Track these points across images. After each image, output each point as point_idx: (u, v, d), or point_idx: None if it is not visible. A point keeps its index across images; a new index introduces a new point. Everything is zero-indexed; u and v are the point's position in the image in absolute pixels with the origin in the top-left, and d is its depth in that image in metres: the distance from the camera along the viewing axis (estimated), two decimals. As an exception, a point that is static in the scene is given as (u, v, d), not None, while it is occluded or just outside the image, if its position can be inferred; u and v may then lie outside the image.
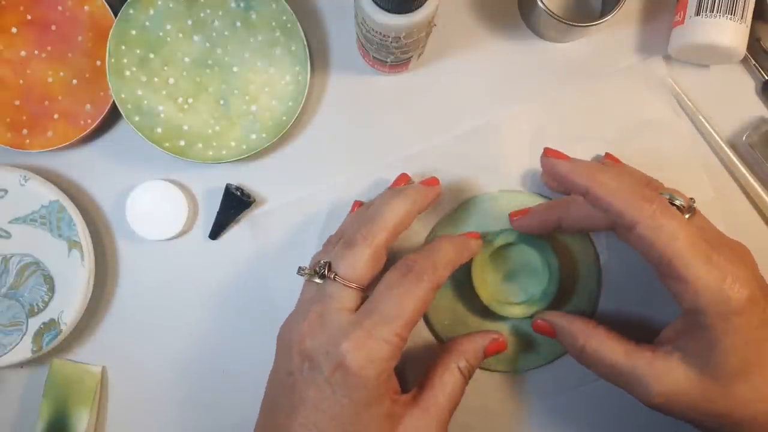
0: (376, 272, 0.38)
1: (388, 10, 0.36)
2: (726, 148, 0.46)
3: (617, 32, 0.47)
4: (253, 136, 0.46)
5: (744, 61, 0.47)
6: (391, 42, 0.39)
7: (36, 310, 0.46)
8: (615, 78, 0.47)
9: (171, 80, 0.46)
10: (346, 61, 0.47)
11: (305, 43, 0.45)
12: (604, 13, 0.46)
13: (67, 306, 0.45)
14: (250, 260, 0.47)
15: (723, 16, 0.43)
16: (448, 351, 0.41)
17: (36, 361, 0.47)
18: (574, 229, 0.42)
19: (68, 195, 0.46)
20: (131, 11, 0.44)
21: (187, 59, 0.46)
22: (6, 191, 0.46)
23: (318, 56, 0.48)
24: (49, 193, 0.46)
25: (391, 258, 0.39)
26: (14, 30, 0.46)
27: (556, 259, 0.43)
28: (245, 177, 0.47)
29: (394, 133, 0.47)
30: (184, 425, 0.47)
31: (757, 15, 0.45)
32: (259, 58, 0.46)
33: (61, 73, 0.46)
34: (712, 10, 0.43)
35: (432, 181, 0.43)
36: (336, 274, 0.38)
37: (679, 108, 0.47)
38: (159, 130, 0.45)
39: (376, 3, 0.36)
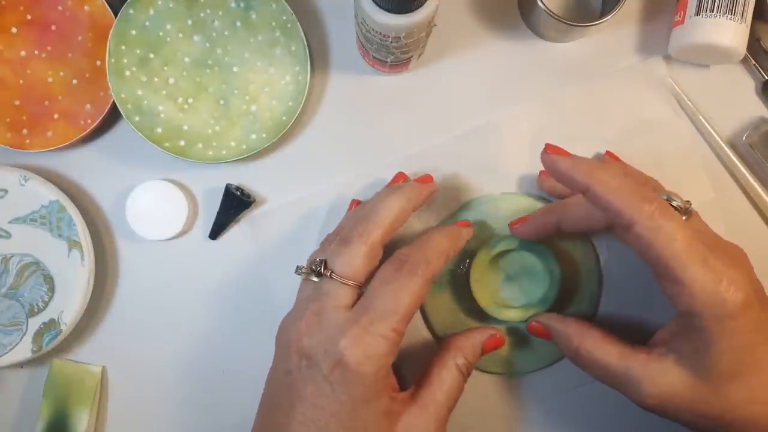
0: (372, 269, 0.38)
1: (388, 10, 0.36)
2: (726, 148, 0.46)
3: (617, 32, 0.47)
4: (253, 136, 0.46)
5: (744, 61, 0.47)
6: (391, 42, 0.39)
7: (36, 310, 0.46)
8: (615, 78, 0.47)
9: (171, 80, 0.46)
10: (346, 61, 0.48)
11: (305, 43, 0.45)
12: (604, 13, 0.46)
13: (67, 306, 0.45)
14: (250, 260, 0.47)
15: (723, 16, 0.43)
16: (446, 348, 0.41)
17: (36, 361, 0.47)
18: (573, 231, 0.42)
19: (68, 195, 0.46)
20: (131, 11, 0.44)
21: (187, 59, 0.46)
22: (6, 191, 0.46)
23: (318, 56, 0.48)
24: (49, 193, 0.46)
25: (388, 255, 0.39)
26: (14, 30, 0.46)
27: (557, 265, 0.43)
28: (245, 177, 0.47)
29: (394, 133, 0.47)
30: (184, 425, 0.47)
31: (757, 15, 0.45)
32: (259, 58, 0.46)
33: (61, 73, 0.46)
34: (712, 10, 0.43)
35: (426, 179, 0.43)
36: (332, 272, 0.38)
37: (679, 108, 0.47)
38: (159, 130, 0.45)
39: (376, 3, 0.36)
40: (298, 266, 0.40)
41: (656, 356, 0.37)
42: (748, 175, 0.46)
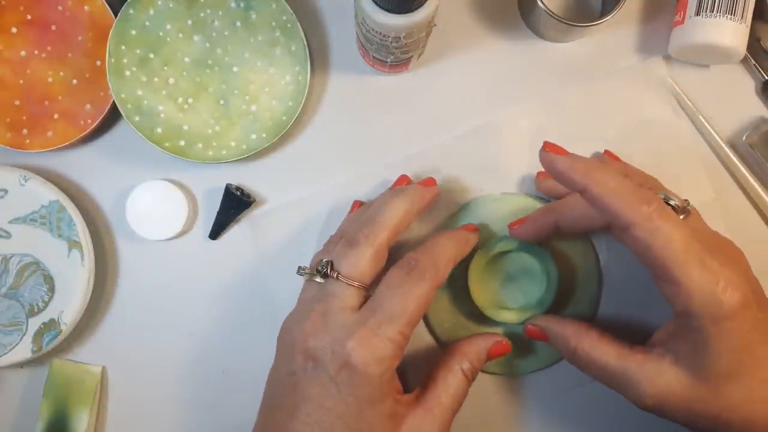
0: (378, 271, 0.39)
1: (388, 10, 0.36)
2: (726, 148, 0.46)
3: (617, 32, 0.47)
4: (253, 136, 0.46)
5: (744, 61, 0.47)
6: (391, 42, 0.39)
7: (36, 310, 0.46)
8: (615, 78, 0.47)
9: (171, 80, 0.46)
10: (346, 61, 0.48)
11: (305, 43, 0.45)
12: (604, 13, 0.46)
13: (67, 306, 0.45)
14: (250, 260, 0.47)
15: (723, 16, 0.43)
16: (451, 353, 0.41)
17: (36, 361, 0.47)
18: (571, 230, 0.42)
19: (68, 195, 0.46)
20: (131, 11, 0.44)
21: (187, 59, 0.46)
22: (6, 191, 0.46)
23: (318, 56, 0.48)
24: (49, 193, 0.46)
25: (392, 257, 0.39)
26: (14, 30, 0.46)
27: (555, 267, 0.43)
28: (245, 177, 0.47)
29: (394, 133, 0.47)
30: (184, 425, 0.47)
31: (757, 15, 0.45)
32: (259, 58, 0.46)
33: (61, 73, 0.46)
34: (712, 10, 0.43)
35: (429, 182, 0.43)
36: (339, 273, 0.38)
37: (679, 108, 0.47)
38: (159, 130, 0.45)
39: (376, 3, 0.36)
40: (300, 267, 0.40)
41: (654, 356, 0.37)
42: (748, 175, 0.46)
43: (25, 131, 0.46)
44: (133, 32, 0.45)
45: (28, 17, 0.46)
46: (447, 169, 0.47)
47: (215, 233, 0.47)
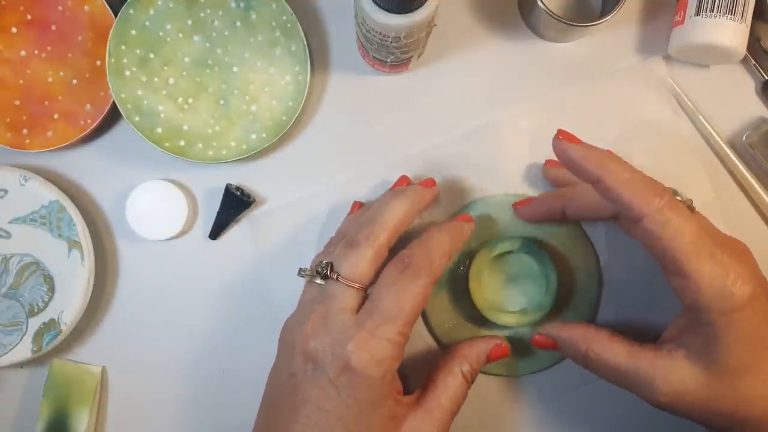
0: (378, 272, 0.38)
1: (388, 10, 0.36)
2: (726, 148, 0.46)
3: (617, 32, 0.47)
4: (253, 136, 0.46)
5: (744, 61, 0.47)
6: (391, 42, 0.39)
7: (36, 310, 0.46)
8: (615, 78, 0.47)
9: (171, 80, 0.46)
10: (346, 61, 0.47)
11: (305, 43, 0.45)
12: (604, 13, 0.46)
13: (67, 306, 0.45)
14: (250, 260, 0.47)
15: (723, 16, 0.43)
16: (451, 355, 0.41)
17: (36, 361, 0.47)
18: (577, 218, 0.42)
19: (68, 195, 0.46)
20: (131, 11, 0.44)
21: (187, 59, 0.46)
22: (6, 191, 0.46)
23: (318, 56, 0.48)
24: (49, 193, 0.46)
25: (391, 257, 0.39)
26: (14, 30, 0.46)
27: (554, 270, 0.43)
28: (245, 177, 0.47)
29: (394, 133, 0.47)
30: (184, 425, 0.47)
31: (757, 15, 0.45)
32: (259, 58, 0.46)
33: (61, 73, 0.46)
34: (712, 10, 0.43)
35: (429, 183, 0.43)
36: (338, 275, 0.38)
37: (679, 108, 0.47)
38: (159, 130, 0.45)
39: (376, 3, 0.36)
40: (300, 268, 0.40)
41: (666, 353, 0.37)
42: (748, 175, 0.46)
43: (25, 131, 0.46)
44: (133, 32, 0.45)
45: (28, 17, 0.46)
46: (447, 169, 0.47)
47: (215, 233, 0.47)
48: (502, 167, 0.47)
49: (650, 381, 0.36)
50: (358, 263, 0.37)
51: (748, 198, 0.47)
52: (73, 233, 0.45)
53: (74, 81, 0.46)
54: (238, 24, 0.46)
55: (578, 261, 0.45)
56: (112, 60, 0.44)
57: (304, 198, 0.47)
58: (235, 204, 0.46)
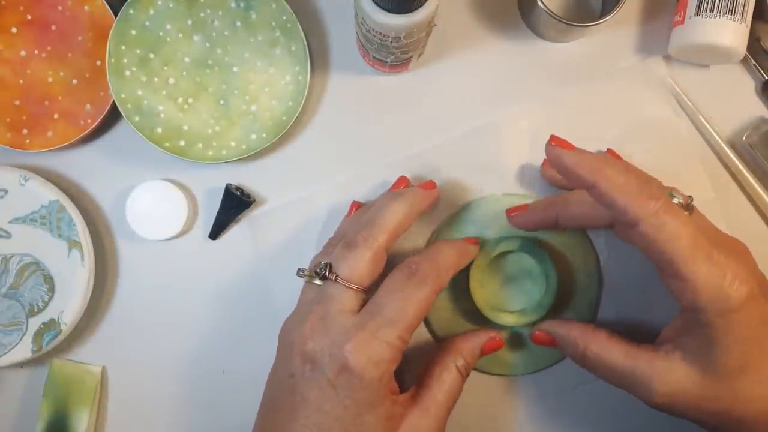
0: (376, 274, 0.39)
1: (388, 10, 0.36)
2: (726, 148, 0.46)
3: (617, 32, 0.47)
4: (253, 136, 0.46)
5: (744, 61, 0.47)
6: (391, 42, 0.39)
7: (36, 310, 0.46)
8: (615, 78, 0.47)
9: (171, 80, 0.46)
10: (346, 61, 0.47)
11: (305, 43, 0.45)
12: (604, 13, 0.46)
13: (67, 306, 0.45)
14: (249, 260, 0.47)
15: (723, 16, 0.43)
16: (445, 350, 0.41)
17: (36, 361, 0.47)
18: (571, 227, 0.42)
19: (68, 195, 0.46)
20: (131, 11, 0.44)
21: (187, 59, 0.46)
22: (6, 191, 0.46)
23: (318, 56, 0.48)
24: (49, 193, 0.46)
25: (391, 260, 0.39)
26: (14, 30, 0.46)
27: (554, 270, 0.43)
28: (245, 177, 0.47)
29: (394, 133, 0.47)
30: (183, 425, 0.47)
31: (757, 15, 0.45)
32: (259, 58, 0.46)
33: (61, 73, 0.46)
34: (712, 10, 0.43)
35: (429, 185, 0.43)
36: (337, 276, 0.38)
37: (679, 108, 0.47)
38: (159, 130, 0.45)
39: (376, 3, 0.36)
40: (299, 269, 0.40)
41: (663, 354, 0.37)
42: (748, 175, 0.46)
43: (25, 131, 0.46)
44: (133, 32, 0.45)
45: (28, 17, 0.46)
46: (447, 169, 0.47)
47: (215, 233, 0.47)
48: (502, 167, 0.47)
49: (647, 382, 0.36)
50: (357, 264, 0.38)
51: (748, 198, 0.47)
52: (73, 233, 0.45)
53: (74, 81, 0.46)
54: (238, 24, 0.46)
55: (578, 261, 0.45)
56: (112, 60, 0.44)
57: (304, 198, 0.47)
58: (235, 204, 0.46)
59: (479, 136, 0.47)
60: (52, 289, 0.46)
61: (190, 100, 0.46)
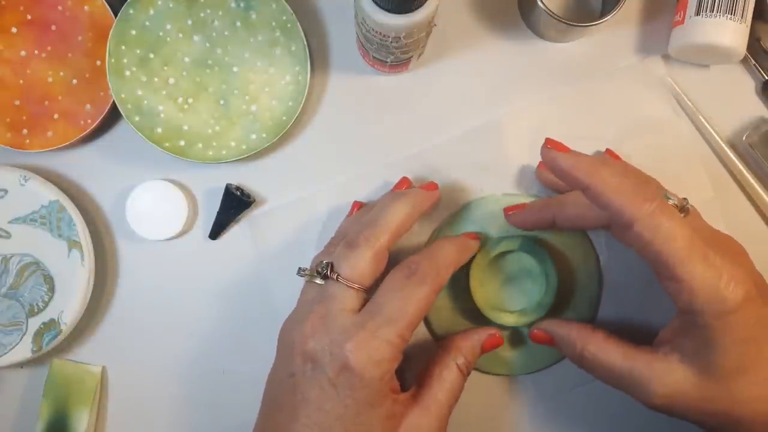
0: (378, 274, 0.39)
1: (388, 10, 0.36)
2: (726, 148, 0.46)
3: (617, 32, 0.47)
4: (253, 136, 0.46)
5: (744, 61, 0.47)
6: (391, 42, 0.39)
7: (36, 310, 0.46)
8: (615, 78, 0.47)
9: (171, 80, 0.46)
10: (346, 61, 0.47)
11: (305, 43, 0.45)
12: (604, 13, 0.46)
13: (67, 306, 0.45)
14: (249, 260, 0.47)
15: (723, 16, 0.43)
16: (445, 348, 0.41)
17: (36, 361, 0.47)
18: (567, 228, 0.42)
19: (68, 195, 0.46)
20: (131, 11, 0.44)
21: (187, 59, 0.46)
22: (6, 191, 0.46)
23: (318, 56, 0.48)
24: (49, 193, 0.46)
25: (392, 259, 0.39)
26: (14, 30, 0.46)
27: (554, 270, 0.43)
28: (245, 177, 0.47)
29: (394, 133, 0.47)
30: (184, 425, 0.47)
31: (757, 15, 0.45)
32: (259, 58, 0.46)
33: (61, 73, 0.46)
34: (712, 10, 0.43)
35: (431, 186, 0.43)
36: (338, 275, 0.38)
37: (679, 108, 0.47)
38: (159, 130, 0.45)
39: (376, 3, 0.36)
40: (300, 268, 0.40)
41: (660, 355, 0.37)
42: (748, 175, 0.46)
43: (25, 131, 0.46)
44: (133, 32, 0.45)
45: (28, 17, 0.46)
46: (447, 169, 0.47)
47: (215, 233, 0.47)
48: (502, 167, 0.47)
49: (646, 383, 0.37)
50: (359, 264, 0.38)
51: (748, 198, 0.47)
52: (73, 233, 0.45)
53: (74, 81, 0.46)
54: (238, 24, 0.46)
55: (578, 260, 0.45)
56: (112, 60, 0.44)
57: (304, 198, 0.47)
58: (235, 204, 0.46)
59: (479, 136, 0.47)
60: (52, 289, 0.46)
61: (190, 100, 0.46)
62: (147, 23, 0.45)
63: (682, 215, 0.37)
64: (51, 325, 0.45)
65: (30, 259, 0.46)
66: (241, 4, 0.46)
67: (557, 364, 0.46)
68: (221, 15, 0.46)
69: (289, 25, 0.45)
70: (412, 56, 0.44)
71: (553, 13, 0.43)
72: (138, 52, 0.45)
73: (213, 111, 0.46)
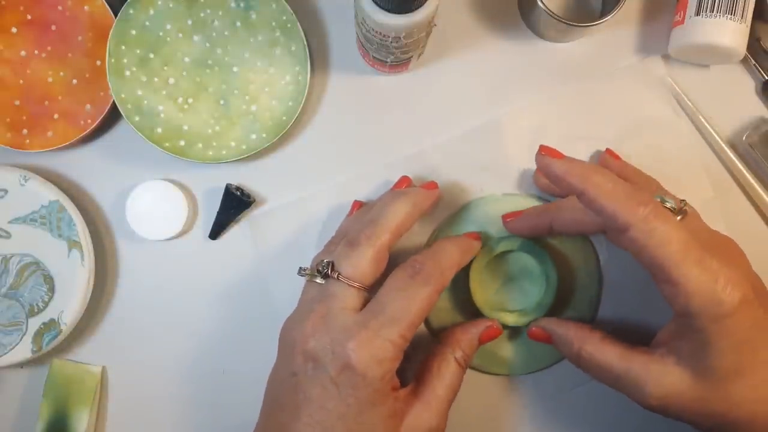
0: (379, 273, 0.39)
1: (388, 10, 0.36)
2: (726, 148, 0.47)
3: (617, 32, 0.47)
4: (253, 136, 0.46)
5: (744, 61, 0.47)
6: (391, 42, 0.39)
7: (36, 310, 0.46)
8: (615, 78, 0.47)
9: (171, 80, 0.46)
10: (346, 61, 0.47)
11: (305, 43, 0.45)
12: (604, 13, 0.46)
13: (67, 306, 0.45)
14: (250, 260, 0.47)
15: (723, 16, 0.43)
16: (443, 342, 0.42)
17: (36, 361, 0.47)
18: (565, 233, 0.43)
19: (68, 195, 0.46)
20: (131, 11, 0.44)
21: (187, 59, 0.46)
22: (6, 191, 0.46)
23: (318, 56, 0.48)
24: (49, 193, 0.46)
25: (392, 260, 0.39)
26: (14, 30, 0.46)
27: (554, 270, 0.43)
28: (245, 177, 0.47)
29: (394, 133, 0.47)
30: (184, 425, 0.47)
31: (757, 15, 0.45)
32: (259, 58, 0.46)
33: (61, 73, 0.46)
34: (712, 10, 0.43)
35: (431, 185, 0.43)
36: (339, 274, 0.38)
37: (679, 108, 0.47)
38: (159, 130, 0.45)
39: (376, 3, 0.36)
40: (301, 267, 0.40)
41: (657, 357, 0.37)
42: (748, 175, 0.46)
43: (25, 131, 0.46)
44: (133, 32, 0.45)
45: (28, 17, 0.46)
46: (447, 169, 0.47)
47: (215, 233, 0.47)
48: (502, 167, 0.47)
49: (642, 384, 0.37)
50: (359, 263, 0.38)
51: (748, 198, 0.47)
52: (73, 233, 0.45)
53: (74, 81, 0.46)
54: (238, 24, 0.46)
55: (578, 260, 0.46)
56: (112, 60, 0.44)
57: (304, 198, 0.47)
58: (235, 204, 0.46)
59: (479, 136, 0.47)
60: (52, 289, 0.46)
61: (190, 100, 0.46)
62: (147, 23, 0.45)
63: (679, 218, 0.37)
64: (51, 325, 0.45)
65: (30, 259, 0.46)
66: (241, 4, 0.46)
67: (557, 364, 0.46)
68: (221, 15, 0.46)
69: (289, 25, 0.45)
70: (412, 56, 0.44)
71: (553, 13, 0.43)
72: (138, 52, 0.45)
73: (213, 111, 0.46)
